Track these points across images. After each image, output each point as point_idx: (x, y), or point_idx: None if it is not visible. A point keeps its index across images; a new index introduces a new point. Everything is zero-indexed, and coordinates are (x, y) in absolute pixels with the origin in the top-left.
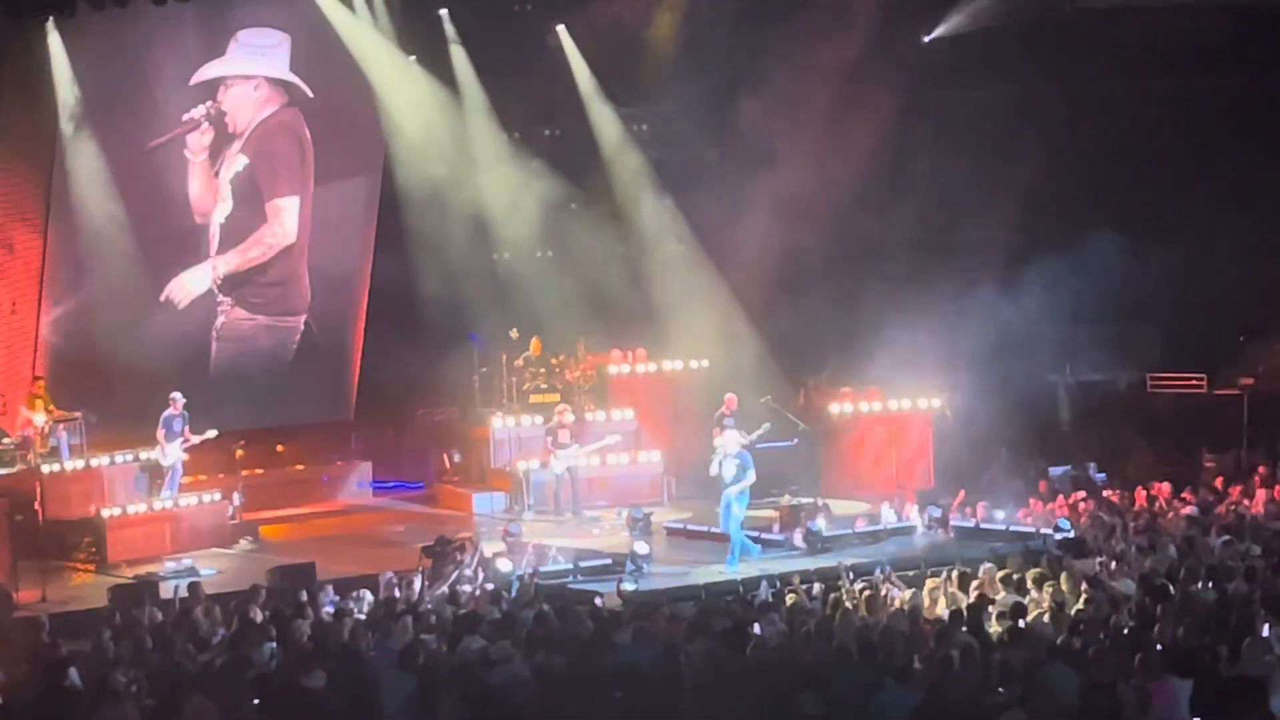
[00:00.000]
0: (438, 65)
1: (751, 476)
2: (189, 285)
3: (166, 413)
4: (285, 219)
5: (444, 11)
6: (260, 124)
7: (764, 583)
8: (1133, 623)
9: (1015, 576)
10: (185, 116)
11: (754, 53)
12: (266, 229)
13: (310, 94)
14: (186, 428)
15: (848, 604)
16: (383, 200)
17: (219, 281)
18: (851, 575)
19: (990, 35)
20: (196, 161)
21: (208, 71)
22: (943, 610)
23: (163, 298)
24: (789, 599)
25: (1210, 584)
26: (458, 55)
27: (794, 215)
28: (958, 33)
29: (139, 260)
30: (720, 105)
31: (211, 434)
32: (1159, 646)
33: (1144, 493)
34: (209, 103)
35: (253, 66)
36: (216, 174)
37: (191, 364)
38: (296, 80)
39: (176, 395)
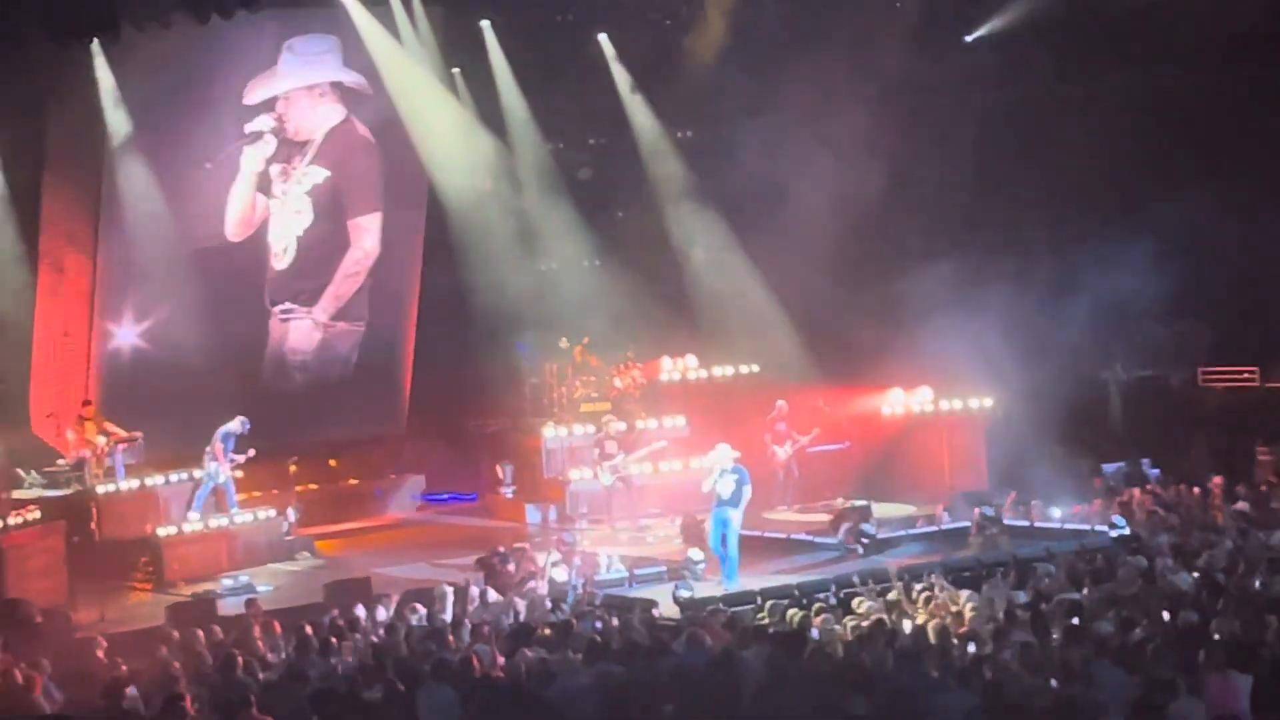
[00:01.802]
0: (481, 77)
1: (749, 492)
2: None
3: (227, 429)
4: (367, 238)
5: (486, 23)
6: (332, 134)
7: (833, 586)
8: (1192, 618)
9: (1071, 574)
10: (247, 129)
11: (796, 57)
12: (354, 252)
13: (369, 90)
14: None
15: (905, 606)
16: (429, 213)
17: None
18: (906, 577)
19: (1032, 33)
20: (248, 174)
21: (266, 88)
22: (998, 610)
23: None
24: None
25: (1268, 578)
26: (500, 66)
27: (840, 217)
28: (999, 31)
29: (190, 278)
30: (763, 109)
31: (251, 453)
32: (1217, 640)
33: (1198, 487)
34: (270, 114)
35: (310, 75)
36: (278, 187)
37: (244, 380)
38: (354, 78)
39: (246, 420)
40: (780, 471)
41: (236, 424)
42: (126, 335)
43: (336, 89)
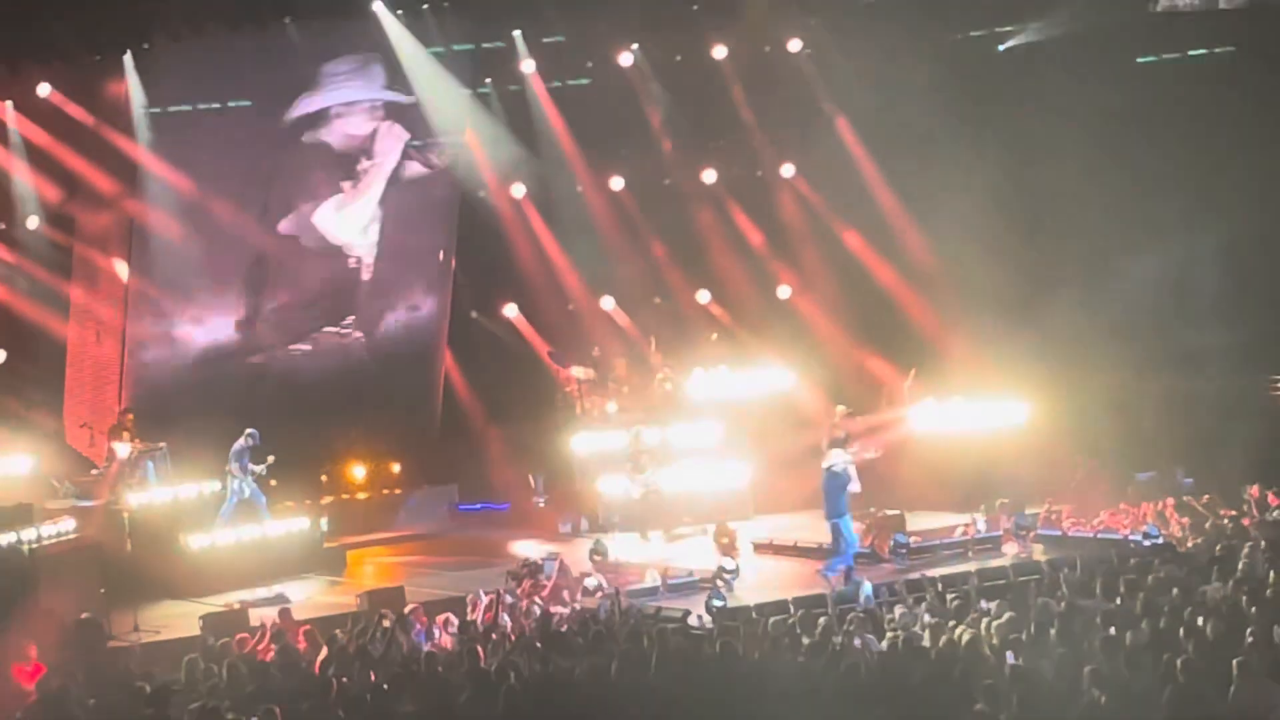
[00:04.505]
0: (511, 86)
1: None
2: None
3: (239, 446)
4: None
5: (518, 33)
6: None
7: (865, 590)
8: (1224, 628)
9: (1104, 584)
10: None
11: (829, 71)
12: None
13: (406, 100)
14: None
15: (938, 616)
16: (461, 218)
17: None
18: (939, 587)
19: (1066, 43)
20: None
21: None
22: (1031, 620)
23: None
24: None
25: None
26: (531, 76)
27: (875, 228)
28: (1034, 41)
29: (215, 287)
30: (793, 120)
31: (270, 460)
32: (1254, 652)
33: (1233, 496)
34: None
35: (353, 93)
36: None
37: (271, 389)
38: (393, 95)
39: (254, 432)
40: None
41: (243, 439)
42: (156, 344)
43: (377, 104)
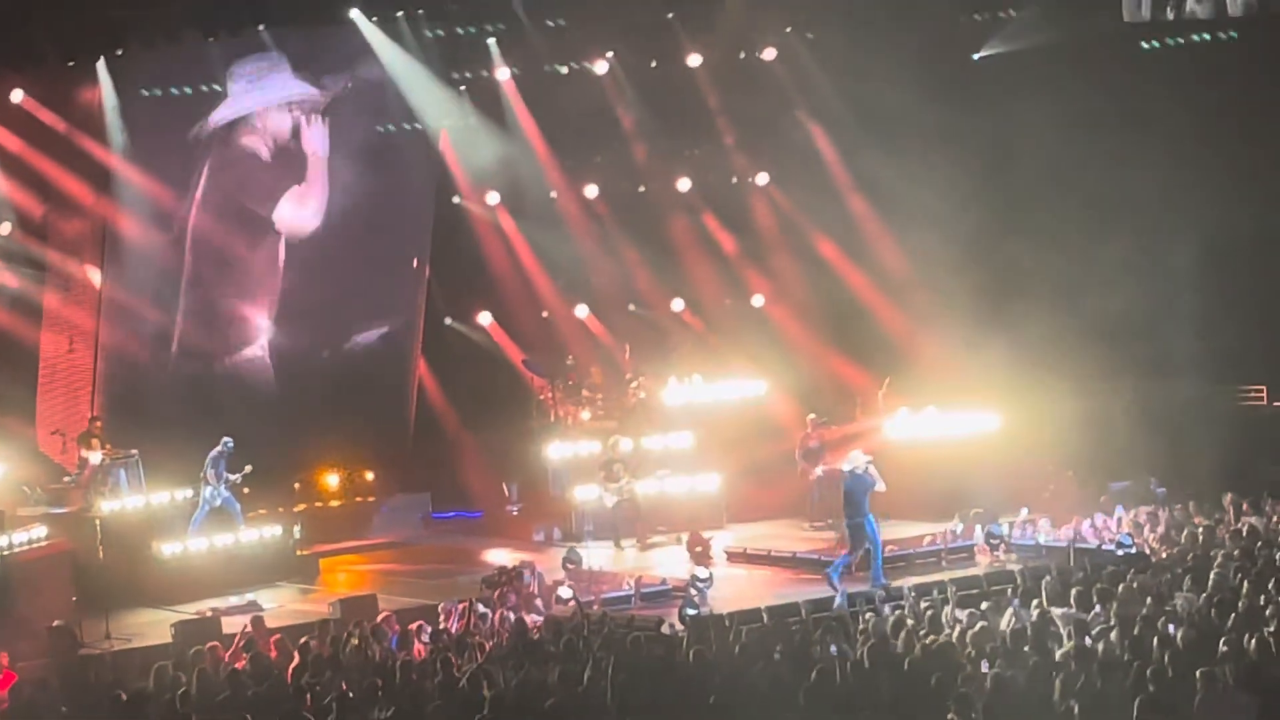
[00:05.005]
0: (486, 93)
1: None
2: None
3: (215, 453)
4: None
5: (492, 41)
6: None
7: (839, 598)
8: (1196, 637)
9: (1078, 593)
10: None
11: (804, 79)
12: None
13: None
14: (225, 469)
15: (911, 626)
16: (435, 225)
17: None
18: (913, 595)
19: (1041, 52)
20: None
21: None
22: (1005, 629)
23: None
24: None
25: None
26: (505, 83)
27: (849, 236)
28: (1007, 50)
29: (190, 292)
30: (768, 128)
31: (247, 469)
32: (1226, 662)
33: (1206, 505)
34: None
35: (267, 93)
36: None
37: (242, 396)
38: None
39: (229, 440)
40: (815, 490)
41: (219, 446)
42: (129, 350)
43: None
